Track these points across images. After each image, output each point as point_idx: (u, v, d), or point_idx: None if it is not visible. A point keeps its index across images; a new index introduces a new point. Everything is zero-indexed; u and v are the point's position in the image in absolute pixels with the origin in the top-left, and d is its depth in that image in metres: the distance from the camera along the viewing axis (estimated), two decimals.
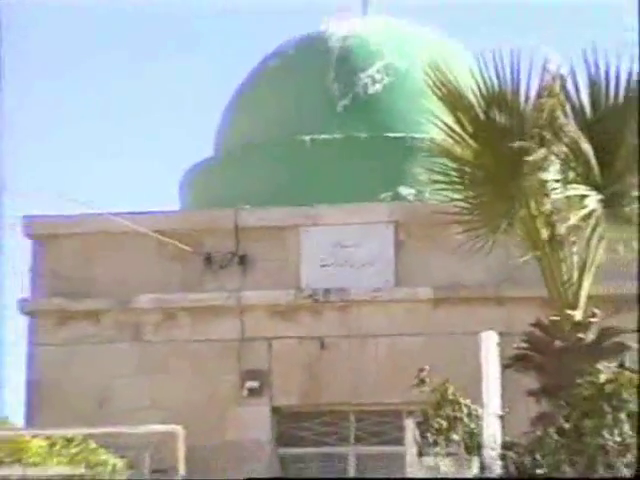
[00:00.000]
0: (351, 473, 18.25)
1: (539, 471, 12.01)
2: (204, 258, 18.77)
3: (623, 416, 12.20)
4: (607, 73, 13.67)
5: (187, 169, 21.77)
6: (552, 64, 13.75)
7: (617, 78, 13.68)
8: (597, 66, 13.67)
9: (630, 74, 13.65)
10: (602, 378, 12.52)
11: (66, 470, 14.29)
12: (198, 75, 44.45)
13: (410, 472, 12.43)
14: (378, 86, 20.30)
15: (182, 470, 13.29)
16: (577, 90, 13.83)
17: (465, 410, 12.69)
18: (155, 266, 18.82)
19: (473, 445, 12.37)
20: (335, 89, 20.48)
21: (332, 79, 20.60)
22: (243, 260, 18.73)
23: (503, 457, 12.17)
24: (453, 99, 14.18)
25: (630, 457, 12.00)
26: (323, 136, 19.72)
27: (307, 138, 19.76)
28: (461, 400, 12.73)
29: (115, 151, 48.05)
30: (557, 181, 13.40)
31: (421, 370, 13.35)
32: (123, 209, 19.07)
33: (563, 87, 13.78)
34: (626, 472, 11.97)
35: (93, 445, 14.78)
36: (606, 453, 11.97)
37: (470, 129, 13.95)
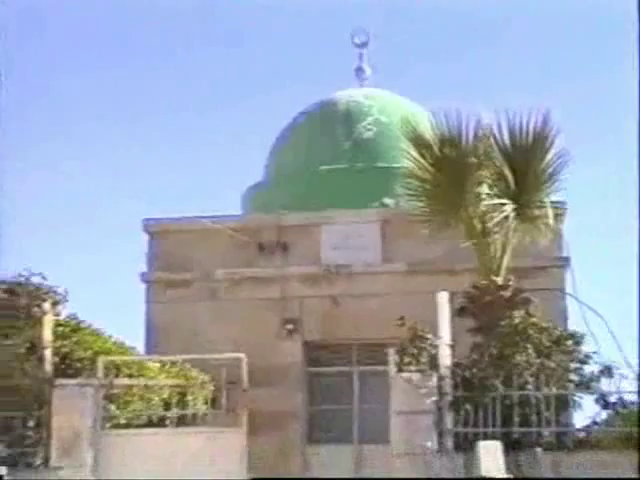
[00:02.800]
0: (355, 385, 18.38)
1: (474, 380, 12.14)
2: (258, 245, 18.86)
3: (529, 345, 12.44)
4: (521, 123, 13.73)
5: (247, 187, 21.75)
6: (485, 118, 13.90)
7: (527, 126, 13.72)
8: (514, 118, 13.75)
9: (536, 123, 13.68)
10: (515, 321, 12.86)
11: (170, 382, 14.57)
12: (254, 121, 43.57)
13: (393, 383, 12.36)
14: (370, 133, 20.46)
15: (245, 382, 13.35)
16: (501, 134, 13.86)
17: (428, 342, 12.74)
18: (226, 251, 18.94)
19: (433, 364, 12.41)
20: (342, 135, 20.60)
21: (340, 129, 20.72)
22: (284, 247, 18.84)
23: (452, 372, 12.27)
24: (418, 141, 14.33)
25: (533, 370, 12.14)
26: (334, 166, 19.96)
27: (324, 167, 19.96)
28: (426, 335, 12.78)
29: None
30: (487, 194, 13.59)
31: (400, 317, 13.62)
32: (204, 213, 19.28)
33: (492, 133, 13.86)
34: (531, 382, 12.08)
35: (188, 366, 15.04)
36: (517, 369, 12.16)
37: (429, 160, 14.06)
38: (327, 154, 20.31)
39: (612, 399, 12.31)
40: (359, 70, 22.28)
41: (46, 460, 12.61)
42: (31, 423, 12.89)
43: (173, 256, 19.26)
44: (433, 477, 10.94)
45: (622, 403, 12.29)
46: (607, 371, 12.31)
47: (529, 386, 12.12)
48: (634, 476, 10.63)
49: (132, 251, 19.61)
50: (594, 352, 12.74)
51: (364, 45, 22.32)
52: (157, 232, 19.50)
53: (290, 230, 19.07)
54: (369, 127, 20.64)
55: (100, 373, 13.18)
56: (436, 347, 12.62)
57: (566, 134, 14.07)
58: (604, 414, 12.45)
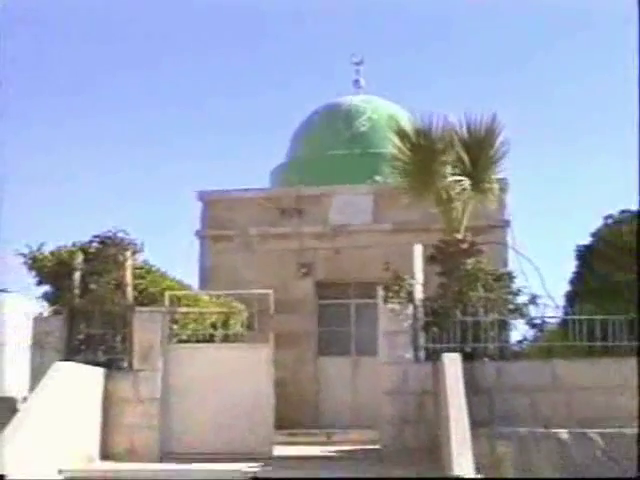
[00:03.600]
0: (352, 313, 18.59)
1: (440, 310, 12.54)
2: (281, 211, 19.06)
3: (479, 284, 12.80)
4: (475, 120, 13.81)
5: (274, 166, 21.86)
6: (449, 117, 14.02)
7: (480, 122, 13.78)
8: (471, 117, 13.87)
9: (487, 120, 13.74)
10: (470, 266, 13.13)
11: (217, 310, 14.84)
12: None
13: (380, 312, 12.65)
14: (364, 127, 20.60)
15: (272, 310, 13.63)
16: (461, 128, 13.88)
17: (406, 282, 12.95)
18: (259, 214, 19.07)
19: (410, 298, 12.66)
20: (344, 129, 20.71)
21: (342, 124, 20.82)
22: (300, 212, 19.05)
23: (424, 303, 12.57)
24: (400, 133, 14.38)
25: (482, 302, 12.55)
26: (338, 152, 20.09)
27: (330, 153, 20.10)
28: (405, 277, 13.01)
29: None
30: (451, 173, 13.57)
31: (386, 263, 13.86)
32: (242, 186, 19.70)
33: (454, 127, 13.90)
34: (480, 311, 12.47)
35: (230, 298, 15.24)
36: (471, 301, 12.54)
37: (408, 147, 14.13)
38: (333, 143, 20.41)
39: (537, 322, 12.74)
40: (356, 81, 22.40)
41: (130, 365, 12.92)
42: (119, 338, 13.19)
43: (219, 218, 19.34)
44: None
45: (544, 324, 12.75)
46: (533, 301, 12.75)
47: (479, 313, 12.39)
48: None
49: (187, 213, 19.82)
50: (525, 287, 13.08)
51: (360, 63, 22.52)
52: (208, 200, 19.54)
53: (305, 199, 19.20)
54: (364, 123, 20.78)
55: (166, 303, 13.44)
56: (412, 285, 12.82)
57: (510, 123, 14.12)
58: (531, 333, 12.85)
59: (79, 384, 12.01)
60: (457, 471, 8.81)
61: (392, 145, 14.58)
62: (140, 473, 11.28)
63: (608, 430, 9.91)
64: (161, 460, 12.30)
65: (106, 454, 12.47)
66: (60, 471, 10.95)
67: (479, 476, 7.86)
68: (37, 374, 12.15)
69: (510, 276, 13.28)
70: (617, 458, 9.69)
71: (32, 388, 11.73)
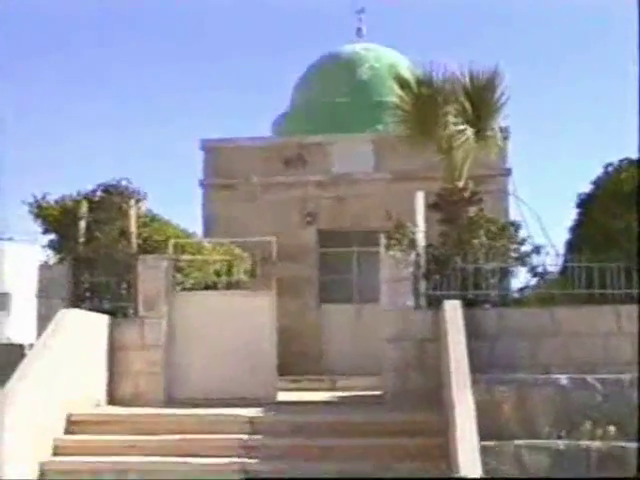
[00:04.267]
0: (354, 261, 18.53)
1: (441, 257, 12.58)
2: (284, 159, 18.92)
3: (481, 232, 12.80)
4: (477, 69, 13.80)
5: (277, 115, 21.75)
6: (451, 66, 13.92)
7: (482, 71, 13.76)
8: (473, 66, 13.83)
9: (488, 69, 13.74)
10: (471, 214, 13.21)
11: (220, 257, 14.94)
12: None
13: (382, 259, 12.65)
14: (366, 76, 20.44)
15: (275, 258, 13.74)
16: (463, 77, 13.84)
17: (408, 229, 13.08)
18: (262, 163, 18.94)
19: (412, 245, 12.74)
20: (346, 78, 20.50)
21: (345, 73, 20.65)
22: (303, 160, 18.91)
23: (425, 251, 12.62)
24: (401, 82, 14.41)
25: (483, 249, 12.58)
26: (342, 100, 19.91)
27: (335, 100, 19.94)
28: (407, 225, 13.16)
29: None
30: (452, 122, 13.47)
31: (388, 211, 13.99)
32: (246, 135, 19.66)
33: (456, 76, 13.85)
34: (482, 258, 12.53)
35: (233, 246, 15.34)
36: (472, 249, 12.55)
37: (410, 96, 14.13)
38: (334, 92, 20.23)
39: (539, 270, 12.77)
40: (359, 30, 22.24)
41: (136, 312, 12.99)
42: (124, 285, 13.24)
43: (222, 167, 19.19)
44: None
45: (545, 273, 12.78)
46: (536, 250, 12.78)
47: (480, 261, 12.43)
48: None
49: (193, 162, 19.75)
50: (528, 236, 13.12)
51: (361, 11, 22.45)
52: (211, 149, 19.41)
53: (308, 148, 19.02)
54: (366, 71, 20.60)
55: (170, 251, 13.50)
56: (414, 233, 12.89)
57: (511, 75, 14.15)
58: (533, 281, 12.90)
59: (85, 331, 12.13)
60: (458, 415, 8.92)
61: (394, 94, 14.55)
62: (145, 417, 11.42)
63: (606, 375, 10.01)
64: (166, 405, 12.43)
65: (113, 400, 12.64)
66: (68, 415, 11.13)
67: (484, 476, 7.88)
68: (43, 321, 12.28)
69: (515, 226, 13.30)
70: (615, 403, 9.75)
71: (39, 335, 11.84)
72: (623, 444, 9.23)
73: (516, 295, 12.87)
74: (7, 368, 10.52)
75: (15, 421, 9.72)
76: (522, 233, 13.21)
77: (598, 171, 13.19)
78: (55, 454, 10.62)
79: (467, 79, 13.94)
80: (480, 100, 13.82)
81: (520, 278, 13.05)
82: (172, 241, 13.73)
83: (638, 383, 9.81)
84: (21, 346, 13.00)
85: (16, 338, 13.67)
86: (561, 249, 13.18)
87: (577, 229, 13.35)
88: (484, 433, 8.87)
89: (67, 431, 11.08)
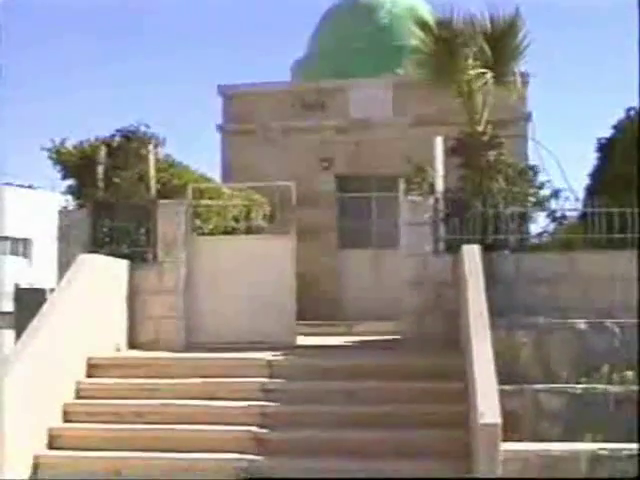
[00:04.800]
0: (373, 206, 18.65)
1: (460, 202, 12.49)
2: (303, 104, 18.86)
3: (500, 176, 12.80)
4: (497, 12, 13.66)
5: (294, 60, 21.64)
6: (471, 8, 13.81)
7: (502, 14, 13.62)
8: (493, 8, 13.67)
9: (509, 12, 13.61)
10: (491, 158, 13.13)
11: (239, 202, 14.99)
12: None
13: (401, 204, 12.65)
14: (385, 20, 20.21)
15: (294, 202, 13.52)
16: (483, 20, 13.69)
17: (428, 174, 13.09)
18: (280, 108, 18.90)
19: (431, 190, 12.71)
20: (364, 22, 20.26)
21: (363, 18, 20.40)
22: (322, 105, 18.84)
23: (444, 195, 12.57)
24: (421, 25, 14.26)
25: (502, 194, 12.54)
26: (361, 45, 19.71)
27: (350, 46, 19.76)
28: (426, 169, 13.17)
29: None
30: (472, 65, 13.39)
31: (408, 155, 13.92)
32: (264, 80, 19.64)
33: (476, 19, 13.72)
34: (501, 202, 12.50)
35: (250, 191, 15.39)
36: (491, 193, 12.51)
37: (429, 39, 13.95)
38: (353, 36, 20.03)
39: (558, 215, 12.75)
40: None
41: (154, 257, 13.02)
42: (142, 231, 13.24)
43: (241, 112, 19.17)
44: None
45: (564, 218, 12.76)
46: (555, 194, 12.77)
47: (499, 206, 12.35)
48: None
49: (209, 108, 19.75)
50: (547, 180, 13.11)
51: None
52: (229, 94, 19.39)
53: (326, 93, 18.97)
54: (384, 15, 20.37)
55: (189, 196, 13.44)
56: (433, 178, 12.83)
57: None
58: (552, 226, 12.87)
59: (104, 276, 12.18)
60: (476, 359, 8.91)
61: (413, 37, 14.44)
62: (164, 361, 11.53)
63: (625, 320, 10.00)
64: (186, 349, 12.52)
65: (133, 344, 12.74)
66: (88, 359, 11.23)
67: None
68: (63, 267, 12.34)
69: (534, 170, 13.25)
70: (633, 348, 9.76)
71: (59, 280, 11.91)
72: None
73: (535, 240, 12.84)
74: (29, 312, 10.61)
75: (35, 367, 9.79)
76: (541, 178, 13.20)
77: (619, 115, 13.04)
78: (77, 397, 10.75)
79: (487, 22, 13.79)
80: (500, 44, 13.67)
81: (539, 223, 13.06)
82: (191, 186, 13.68)
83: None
84: (42, 290, 13.08)
85: (37, 283, 13.76)
86: (581, 194, 13.11)
87: (598, 174, 13.23)
88: (503, 377, 8.85)
89: (88, 374, 11.20)
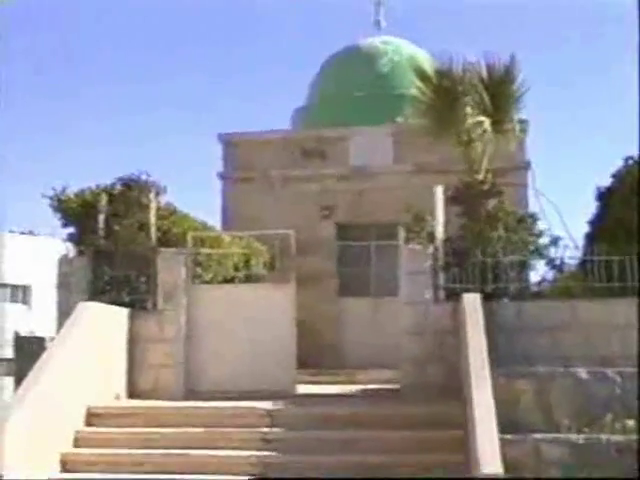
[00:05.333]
0: (372, 255, 18.63)
1: (460, 250, 12.49)
2: (302, 152, 18.99)
3: (499, 224, 12.78)
4: (495, 61, 13.70)
5: (295, 108, 21.82)
6: (469, 58, 13.86)
7: (499, 63, 13.67)
8: (490, 57, 13.73)
9: (505, 61, 13.65)
10: (490, 207, 13.13)
11: (239, 251, 15.05)
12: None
13: (401, 252, 12.67)
14: (386, 69, 20.37)
15: (293, 251, 13.68)
16: (481, 69, 13.77)
17: (427, 222, 13.04)
18: (281, 156, 19.03)
19: (431, 238, 12.69)
20: (365, 70, 20.46)
21: (364, 66, 20.60)
22: (322, 153, 18.97)
23: (444, 244, 12.55)
24: (421, 74, 14.34)
25: (502, 242, 12.55)
26: (358, 94, 19.85)
27: (351, 95, 19.91)
28: (426, 218, 13.13)
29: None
30: (471, 114, 13.45)
31: (408, 204, 13.92)
32: (264, 128, 19.72)
33: (474, 68, 13.77)
34: (500, 251, 12.44)
35: (250, 239, 15.40)
36: (491, 242, 12.56)
37: (429, 88, 14.04)
38: (354, 84, 20.20)
39: (557, 263, 12.74)
40: (377, 22, 22.37)
41: (155, 305, 13.04)
42: (143, 279, 13.25)
43: (241, 160, 19.30)
44: None
45: (564, 265, 12.74)
46: (555, 242, 12.74)
47: (499, 254, 12.37)
48: None
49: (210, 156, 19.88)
50: (547, 229, 13.05)
51: (380, 3, 22.54)
52: (229, 142, 19.55)
53: (327, 141, 19.13)
54: (385, 64, 20.58)
55: (189, 244, 13.49)
56: (433, 226, 12.84)
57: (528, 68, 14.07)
58: (551, 274, 12.85)
59: (104, 324, 12.19)
60: (477, 408, 8.90)
61: (414, 86, 14.55)
62: (164, 410, 11.50)
63: (625, 369, 9.97)
64: (185, 398, 12.48)
65: (132, 392, 12.71)
66: (88, 408, 11.19)
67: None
68: (63, 314, 12.34)
69: (533, 218, 13.27)
70: (634, 396, 9.70)
71: (59, 328, 11.91)
72: None
73: (535, 288, 12.83)
74: (29, 360, 10.60)
75: (35, 413, 9.76)
76: (541, 226, 13.19)
77: (618, 164, 13.08)
78: (75, 446, 10.70)
79: (485, 70, 13.89)
80: (498, 91, 13.77)
81: (539, 271, 13.04)
82: (191, 234, 13.72)
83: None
84: (42, 339, 13.06)
85: (37, 330, 13.76)
86: (580, 242, 13.08)
87: (597, 222, 13.24)
88: (503, 426, 8.85)
89: (87, 423, 11.17)
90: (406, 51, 20.95)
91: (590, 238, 13.08)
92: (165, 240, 13.71)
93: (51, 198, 14.16)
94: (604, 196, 13.20)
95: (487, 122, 13.41)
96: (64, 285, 13.33)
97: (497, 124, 13.57)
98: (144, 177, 14.28)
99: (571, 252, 12.72)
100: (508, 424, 9.16)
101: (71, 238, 14.14)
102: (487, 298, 11.67)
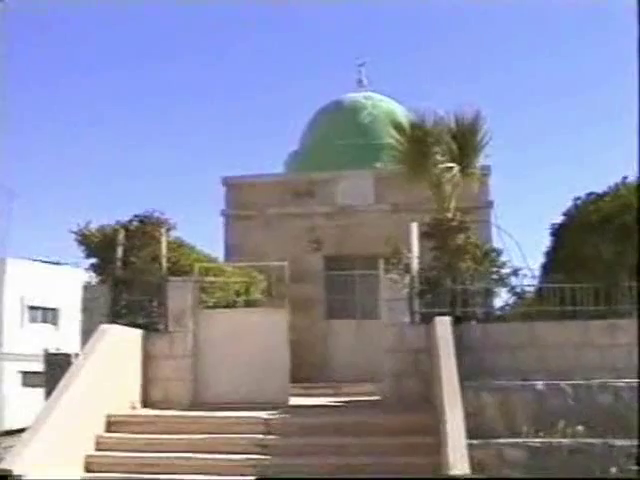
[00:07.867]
0: (356, 283, 18.60)
1: (433, 279, 12.63)
2: (293, 193, 19.09)
3: (467, 257, 12.95)
4: (462, 114, 13.88)
5: (288, 154, 21.97)
6: (439, 111, 14.07)
7: (465, 116, 13.85)
8: (457, 111, 13.93)
9: (471, 114, 13.83)
10: (459, 241, 13.24)
11: (239, 279, 15.10)
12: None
13: (381, 281, 12.74)
14: (366, 121, 20.62)
15: (287, 280, 13.84)
16: (449, 121, 13.93)
17: (404, 255, 13.12)
18: (276, 196, 19.12)
19: (407, 269, 12.80)
20: (349, 122, 20.71)
21: (348, 118, 20.81)
22: (311, 194, 19.10)
23: (419, 274, 12.67)
24: (397, 126, 14.58)
25: (470, 272, 12.68)
26: (343, 142, 20.08)
27: (337, 143, 20.13)
28: (402, 251, 13.21)
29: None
30: (441, 160, 13.57)
31: (387, 238, 14.01)
32: (261, 172, 19.79)
33: (444, 120, 13.96)
34: (468, 280, 12.57)
35: (250, 269, 15.45)
36: (460, 272, 12.68)
37: (404, 138, 14.24)
38: (339, 134, 20.42)
39: (517, 290, 12.92)
40: (359, 80, 22.58)
41: (165, 327, 13.16)
42: (155, 304, 13.41)
43: (241, 200, 19.39)
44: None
45: (523, 292, 12.94)
46: (515, 272, 12.92)
47: (467, 282, 12.53)
48: None
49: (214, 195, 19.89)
50: (508, 260, 13.22)
51: (362, 65, 22.80)
52: (231, 184, 19.64)
53: (316, 183, 19.24)
54: (366, 117, 20.84)
55: (196, 274, 13.66)
56: (409, 258, 12.96)
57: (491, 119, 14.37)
58: (512, 299, 13.01)
59: (122, 343, 12.30)
60: (448, 417, 9.03)
61: (391, 136, 14.69)
62: (173, 418, 11.60)
63: (577, 381, 10.12)
64: (191, 408, 12.54)
65: (146, 402, 12.79)
66: (108, 416, 11.28)
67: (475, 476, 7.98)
68: (86, 334, 12.45)
69: (497, 251, 13.38)
70: (584, 405, 9.88)
71: (83, 346, 12.01)
72: (590, 441, 9.33)
73: (498, 312, 12.96)
74: (57, 373, 10.72)
75: (63, 420, 9.86)
76: (503, 258, 13.32)
77: (568, 204, 13.31)
78: (98, 449, 10.79)
79: (454, 123, 14.03)
80: (465, 141, 13.91)
81: (502, 297, 13.18)
82: (197, 265, 13.86)
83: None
84: (68, 355, 13.19)
85: (63, 347, 13.92)
86: (537, 272, 13.30)
87: (551, 254, 13.43)
88: (471, 432, 8.99)
89: (107, 429, 11.26)
90: (385, 105, 21.18)
91: (546, 268, 13.30)
92: (175, 270, 13.81)
93: (76, 233, 14.31)
94: (557, 231, 13.40)
95: (455, 167, 13.54)
96: (87, 309, 13.44)
97: (464, 169, 13.70)
98: (157, 214, 14.50)
99: (529, 281, 12.95)
100: (475, 430, 9.31)
101: (93, 268, 14.29)
102: (457, 321, 11.77)
